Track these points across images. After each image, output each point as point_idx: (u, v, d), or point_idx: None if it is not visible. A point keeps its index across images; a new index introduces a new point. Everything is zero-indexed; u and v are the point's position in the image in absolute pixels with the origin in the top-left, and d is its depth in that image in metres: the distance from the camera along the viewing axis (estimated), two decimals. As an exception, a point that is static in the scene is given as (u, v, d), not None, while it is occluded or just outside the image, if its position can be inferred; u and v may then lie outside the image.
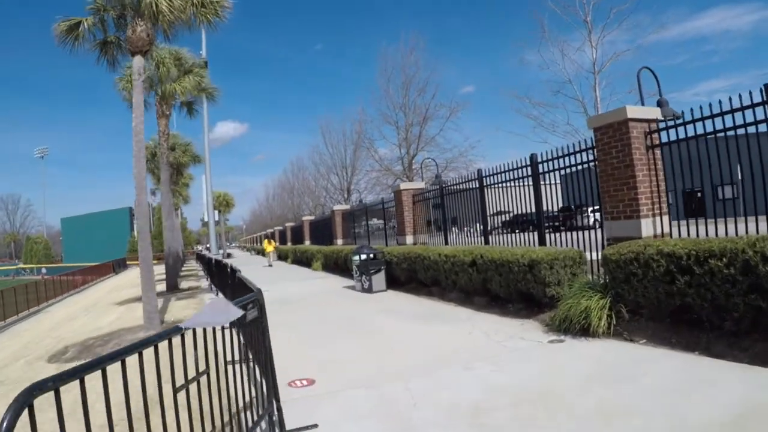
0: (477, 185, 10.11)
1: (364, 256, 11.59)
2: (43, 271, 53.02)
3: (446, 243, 11.55)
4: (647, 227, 6.15)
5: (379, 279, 11.41)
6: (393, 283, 11.64)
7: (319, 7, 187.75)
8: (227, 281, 9.58)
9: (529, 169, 8.50)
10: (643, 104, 7.09)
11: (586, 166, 7.18)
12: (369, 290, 11.31)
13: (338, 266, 16.89)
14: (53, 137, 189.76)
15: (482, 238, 10.16)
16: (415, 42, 24.51)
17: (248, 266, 29.24)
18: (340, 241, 21.06)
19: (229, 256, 55.32)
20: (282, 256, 31.01)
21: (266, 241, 31.40)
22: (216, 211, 62.50)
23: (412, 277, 10.91)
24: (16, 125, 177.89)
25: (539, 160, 8.28)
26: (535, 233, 8.50)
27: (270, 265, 29.14)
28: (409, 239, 13.36)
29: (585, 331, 5.46)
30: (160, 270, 16.63)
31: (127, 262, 54.16)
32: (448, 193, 11.48)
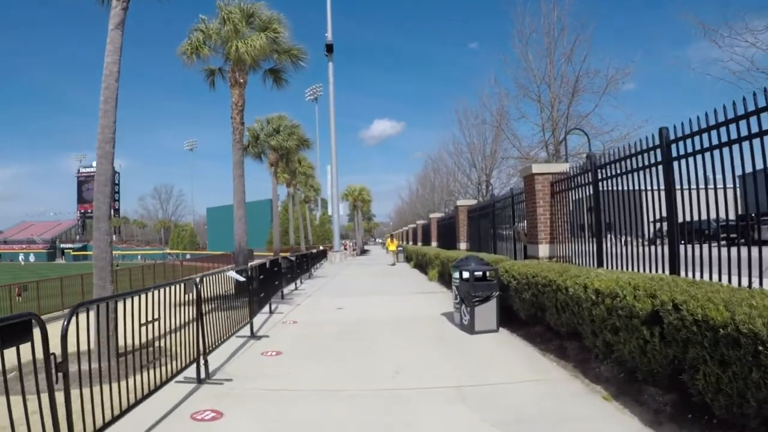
0: (658, 158, 5.60)
1: (466, 274, 7.64)
2: (188, 256, 57.26)
3: (600, 263, 7.08)
4: None
5: (487, 312, 7.37)
6: (509, 318, 7.57)
7: (476, 7, 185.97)
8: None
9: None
10: None
11: None
12: (469, 328, 7.34)
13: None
14: (200, 130, 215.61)
15: (664, 255, 5.63)
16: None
17: (369, 267, 26.72)
18: (463, 246, 17.08)
19: (364, 252, 54.23)
20: (409, 257, 27.96)
21: (388, 239, 28.67)
22: (352, 206, 62.04)
23: (537, 315, 6.73)
24: (167, 120, 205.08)
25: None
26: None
27: (393, 264, 26.62)
28: (543, 250, 9.02)
29: None
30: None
31: (255, 254, 55.08)
32: (605, 177, 7.01)
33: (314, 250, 27.80)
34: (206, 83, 14.66)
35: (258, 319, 8.66)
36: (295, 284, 14.34)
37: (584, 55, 19.24)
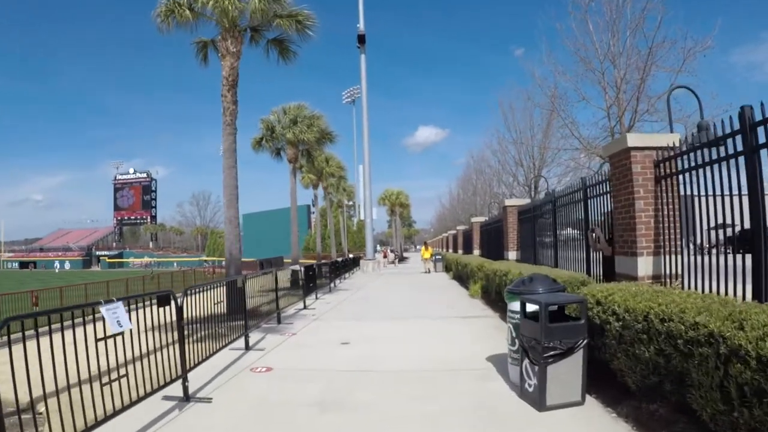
0: None
1: (532, 307, 4.68)
2: (223, 263, 55.99)
3: (758, 292, 4.01)
4: None
5: (568, 372, 4.38)
6: (599, 378, 4.61)
7: (522, 11, 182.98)
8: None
9: None
10: None
11: None
12: (537, 399, 4.37)
13: (501, 297, 10.01)
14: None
15: None
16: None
17: (403, 277, 23.97)
18: (512, 255, 14.00)
19: (401, 260, 51.33)
20: (448, 267, 25.01)
21: (423, 246, 26.07)
22: (390, 211, 59.30)
23: (664, 387, 3.72)
24: (205, 126, 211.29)
25: None
26: None
27: (428, 272, 24.98)
28: (644, 266, 5.96)
29: None
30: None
31: (285, 261, 52.74)
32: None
33: (340, 258, 25.19)
34: (197, 60, 12.39)
35: (218, 361, 5.97)
36: (304, 302, 11.62)
37: (658, 21, 15.89)
